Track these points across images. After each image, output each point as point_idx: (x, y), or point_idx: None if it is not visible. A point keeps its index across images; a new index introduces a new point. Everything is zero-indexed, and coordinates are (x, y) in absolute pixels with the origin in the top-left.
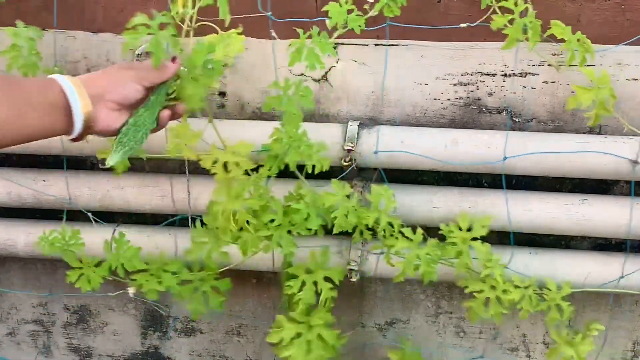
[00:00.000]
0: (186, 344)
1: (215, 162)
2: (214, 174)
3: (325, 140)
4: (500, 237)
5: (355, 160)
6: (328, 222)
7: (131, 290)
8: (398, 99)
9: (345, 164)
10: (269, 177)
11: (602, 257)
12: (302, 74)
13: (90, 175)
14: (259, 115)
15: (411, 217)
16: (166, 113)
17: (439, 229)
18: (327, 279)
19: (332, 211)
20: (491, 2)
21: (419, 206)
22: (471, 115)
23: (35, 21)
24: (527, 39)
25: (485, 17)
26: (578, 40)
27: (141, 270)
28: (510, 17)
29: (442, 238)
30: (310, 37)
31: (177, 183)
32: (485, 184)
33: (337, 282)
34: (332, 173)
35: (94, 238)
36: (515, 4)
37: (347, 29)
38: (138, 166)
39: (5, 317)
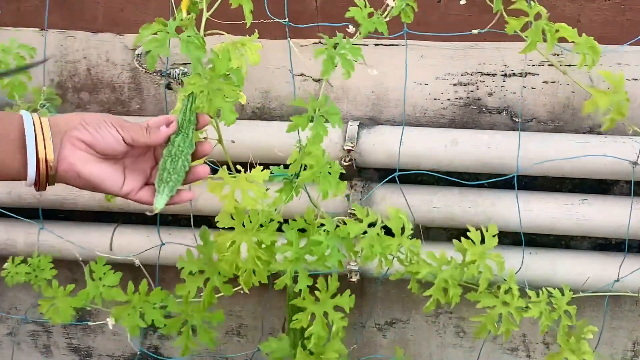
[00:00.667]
0: None
1: (224, 189)
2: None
3: (325, 141)
4: (500, 237)
5: (355, 160)
6: (349, 254)
7: (111, 323)
8: (398, 99)
9: (345, 164)
10: None
11: (602, 258)
12: (301, 74)
13: None
14: (259, 115)
15: (411, 217)
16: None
17: (439, 229)
18: (337, 308)
19: (360, 243)
20: (499, 8)
21: (419, 206)
22: (471, 115)
23: (35, 21)
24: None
25: (495, 21)
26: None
27: (122, 302)
28: (526, 19)
29: (436, 237)
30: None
31: None
32: (485, 184)
33: (347, 311)
34: None
35: (94, 238)
36: (530, 7)
37: (359, 33)
38: None
39: (5, 317)
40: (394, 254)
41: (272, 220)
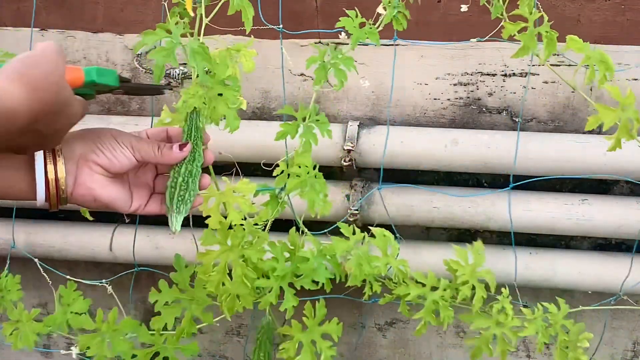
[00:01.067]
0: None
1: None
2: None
3: (325, 141)
4: (500, 237)
5: (355, 160)
6: (337, 273)
7: (75, 351)
8: (398, 99)
9: (345, 164)
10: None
11: (602, 258)
12: (301, 74)
13: None
14: (259, 115)
15: (411, 217)
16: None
17: (439, 228)
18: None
19: (344, 259)
20: (502, 15)
21: (419, 206)
22: (471, 115)
23: (35, 21)
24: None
25: (497, 28)
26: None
27: (89, 330)
28: (523, 24)
29: (436, 237)
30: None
31: None
32: (485, 184)
33: (336, 340)
34: (331, 174)
35: (94, 238)
36: (530, 12)
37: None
38: None
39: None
40: (383, 274)
41: (258, 237)
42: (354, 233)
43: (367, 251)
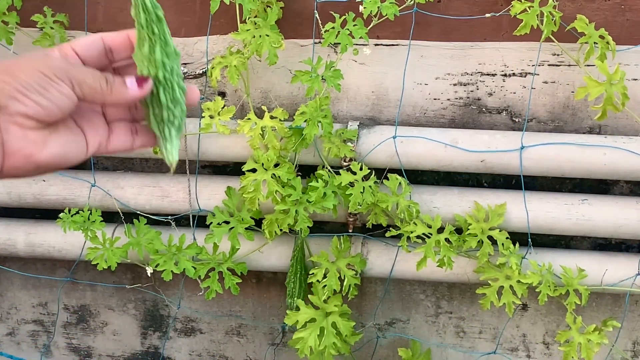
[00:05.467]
0: (186, 344)
1: (251, 128)
2: (225, 167)
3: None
4: None
5: (355, 160)
6: (344, 202)
7: (149, 270)
8: (398, 99)
9: (345, 164)
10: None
11: (602, 257)
12: None
13: (89, 175)
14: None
15: None
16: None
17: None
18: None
19: (348, 190)
20: None
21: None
22: (471, 115)
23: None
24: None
25: (506, 9)
26: (601, 37)
27: (159, 252)
28: (529, 4)
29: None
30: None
31: (177, 183)
32: (485, 184)
33: (359, 270)
34: None
35: None
36: None
37: (381, 19)
38: (138, 166)
39: (5, 317)
40: (388, 209)
41: (282, 157)
42: (360, 169)
43: (373, 186)
